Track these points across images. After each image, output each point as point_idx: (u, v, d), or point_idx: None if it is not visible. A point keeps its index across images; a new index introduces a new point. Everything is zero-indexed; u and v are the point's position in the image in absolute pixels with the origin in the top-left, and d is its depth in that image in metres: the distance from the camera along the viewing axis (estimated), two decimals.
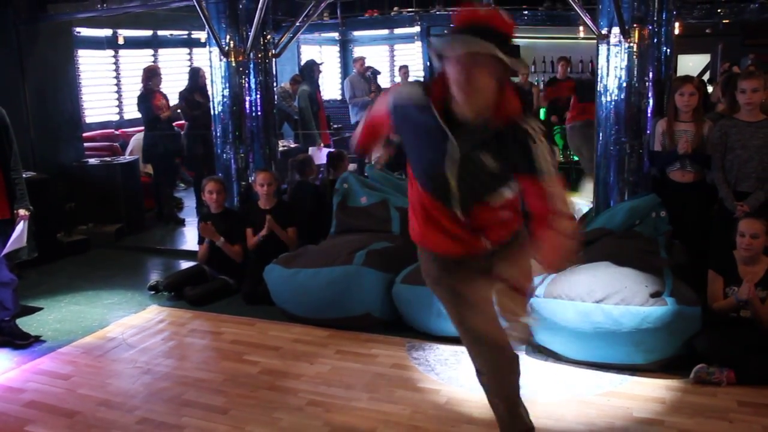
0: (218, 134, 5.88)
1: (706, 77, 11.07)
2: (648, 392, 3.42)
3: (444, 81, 2.13)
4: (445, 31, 2.21)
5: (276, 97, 6.54)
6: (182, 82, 7.97)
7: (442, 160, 2.20)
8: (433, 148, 2.21)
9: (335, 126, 9.91)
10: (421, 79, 2.79)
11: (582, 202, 6.90)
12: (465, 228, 2.34)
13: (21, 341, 4.23)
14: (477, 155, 2.17)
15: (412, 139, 2.32)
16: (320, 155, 7.56)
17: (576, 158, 8.65)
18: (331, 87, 12.44)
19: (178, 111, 7.48)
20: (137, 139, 8.26)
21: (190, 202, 7.78)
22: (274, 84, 6.22)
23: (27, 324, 4.50)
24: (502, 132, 2.13)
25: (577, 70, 10.39)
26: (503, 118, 2.12)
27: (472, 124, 2.14)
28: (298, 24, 6.27)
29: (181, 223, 7.31)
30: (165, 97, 7.40)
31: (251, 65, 5.70)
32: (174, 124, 7.58)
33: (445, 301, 2.57)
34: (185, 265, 5.71)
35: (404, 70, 10.09)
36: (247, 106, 5.76)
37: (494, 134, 2.14)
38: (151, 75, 7.29)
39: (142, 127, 7.69)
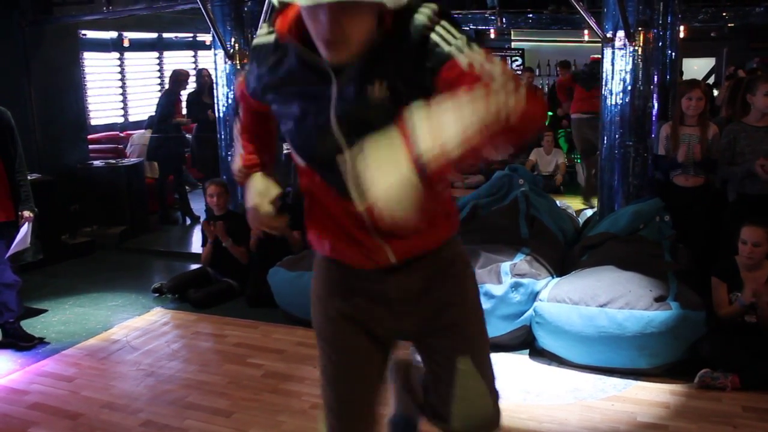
0: (223, 136, 5.89)
1: (711, 81, 11.06)
2: (652, 397, 3.41)
3: (295, 12, 1.54)
4: None
5: None
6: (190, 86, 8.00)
7: (325, 116, 1.55)
8: (309, 100, 1.58)
9: None
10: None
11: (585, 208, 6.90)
12: (364, 226, 1.64)
13: (25, 343, 4.24)
14: (360, 89, 1.51)
15: (280, 100, 1.65)
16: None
17: (579, 160, 8.64)
18: None
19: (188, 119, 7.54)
20: (138, 138, 8.25)
21: (194, 205, 7.78)
22: None
23: (31, 326, 4.51)
24: (384, 49, 1.50)
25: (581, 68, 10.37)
26: (386, 28, 1.49)
27: (345, 61, 1.50)
28: None
29: (197, 219, 7.33)
30: (180, 102, 7.48)
31: None
32: (182, 127, 7.62)
33: (319, 343, 1.94)
34: (189, 267, 5.72)
35: None
36: None
37: (375, 56, 1.50)
38: (182, 79, 7.37)
39: (141, 129, 7.73)
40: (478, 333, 1.86)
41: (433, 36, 1.48)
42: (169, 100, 7.39)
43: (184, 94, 7.65)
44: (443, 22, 1.50)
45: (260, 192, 1.82)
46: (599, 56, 6.95)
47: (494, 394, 1.86)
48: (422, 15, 1.49)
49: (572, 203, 7.00)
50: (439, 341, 1.82)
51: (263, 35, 1.68)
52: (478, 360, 1.82)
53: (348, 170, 1.57)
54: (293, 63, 1.59)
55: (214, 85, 6.01)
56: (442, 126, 1.28)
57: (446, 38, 1.48)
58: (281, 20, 1.59)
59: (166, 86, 7.62)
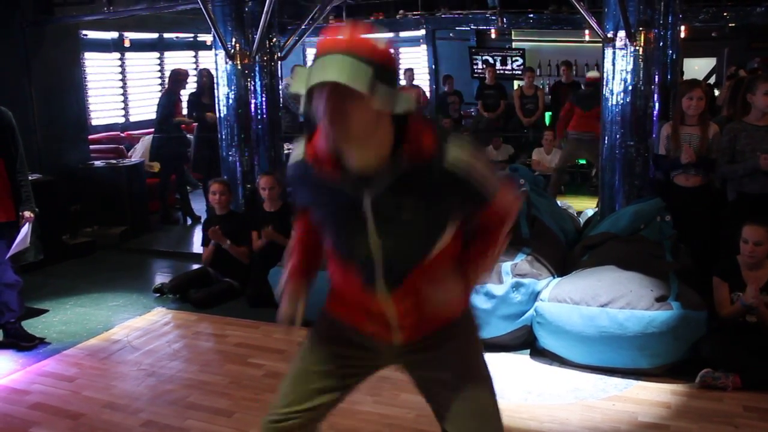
0: (224, 137, 5.89)
1: (711, 81, 11.05)
2: (653, 397, 3.41)
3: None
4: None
5: (282, 95, 6.55)
6: (190, 86, 8.01)
7: (361, 226, 1.71)
8: (344, 213, 1.73)
9: None
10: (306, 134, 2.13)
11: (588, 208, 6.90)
12: (376, 315, 1.84)
13: (26, 343, 4.24)
14: (391, 208, 1.67)
15: (320, 211, 1.84)
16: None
17: (583, 161, 8.64)
18: None
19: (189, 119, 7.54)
20: (145, 141, 8.27)
21: (195, 205, 7.78)
22: (280, 85, 6.23)
23: (32, 326, 4.51)
24: (419, 174, 1.64)
25: (582, 73, 10.37)
26: (413, 158, 1.62)
27: (371, 172, 1.65)
28: (303, 27, 6.28)
29: (198, 220, 7.34)
30: (181, 102, 7.48)
31: (257, 68, 5.72)
32: (183, 127, 7.62)
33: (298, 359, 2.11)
34: (190, 267, 5.72)
35: (409, 73, 10.10)
36: (253, 108, 5.78)
37: (407, 178, 1.64)
38: (181, 78, 7.37)
39: (150, 129, 7.73)
40: (477, 390, 1.89)
41: (473, 180, 1.67)
42: (169, 100, 7.40)
43: (184, 94, 7.67)
44: (479, 163, 1.68)
45: (292, 301, 2.11)
46: (596, 75, 7.00)
47: None
48: (457, 151, 1.65)
49: (573, 203, 6.99)
50: (434, 391, 1.94)
51: (297, 156, 1.80)
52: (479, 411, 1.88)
53: (378, 269, 1.76)
54: (319, 177, 1.73)
55: (215, 86, 6.01)
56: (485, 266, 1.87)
57: (486, 184, 1.71)
58: (310, 147, 1.74)
59: (166, 86, 7.61)
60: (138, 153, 8.31)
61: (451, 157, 1.63)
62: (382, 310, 1.82)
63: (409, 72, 10.16)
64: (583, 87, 8.48)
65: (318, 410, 2.00)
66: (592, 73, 8.01)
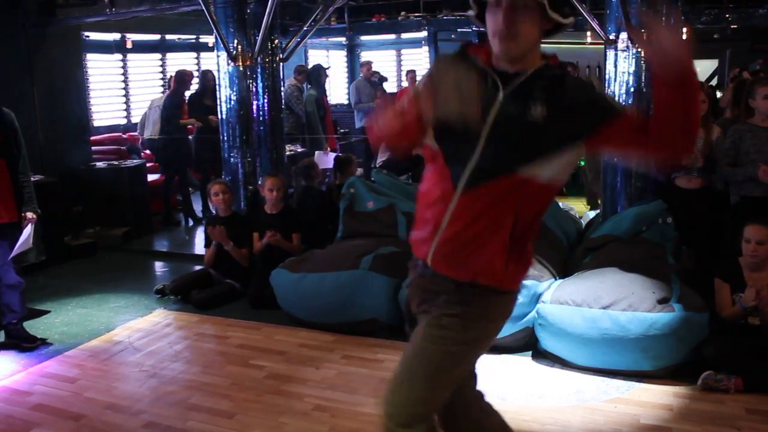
0: (225, 138, 5.90)
1: (714, 82, 11.05)
2: (655, 399, 3.40)
3: (486, 47, 1.85)
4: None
5: (285, 95, 6.55)
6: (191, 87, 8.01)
7: (486, 110, 1.78)
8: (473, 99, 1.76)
9: (342, 130, 9.93)
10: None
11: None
12: (442, 217, 1.88)
13: (28, 344, 4.24)
14: (520, 105, 1.78)
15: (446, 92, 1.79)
16: (326, 159, 7.57)
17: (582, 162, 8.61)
18: (338, 91, 12.47)
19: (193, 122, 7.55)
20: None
21: (195, 206, 7.79)
22: (282, 87, 6.23)
23: (34, 327, 4.52)
24: (554, 81, 1.80)
25: (585, 75, 10.37)
26: (555, 66, 1.84)
27: (513, 73, 1.81)
28: (305, 28, 6.28)
29: (200, 221, 7.35)
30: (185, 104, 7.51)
31: (259, 69, 5.72)
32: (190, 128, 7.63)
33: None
34: (192, 269, 5.72)
35: (411, 74, 10.11)
36: (255, 110, 5.78)
37: (542, 82, 1.79)
38: (187, 79, 7.39)
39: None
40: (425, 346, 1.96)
41: (603, 94, 1.87)
42: (173, 101, 7.39)
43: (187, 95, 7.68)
44: (603, 89, 1.88)
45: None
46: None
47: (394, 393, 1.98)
48: (590, 79, 1.88)
49: (575, 205, 6.99)
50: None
51: (449, 54, 1.89)
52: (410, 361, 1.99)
53: (472, 162, 1.80)
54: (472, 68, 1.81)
55: (217, 87, 6.02)
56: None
57: (613, 101, 1.91)
58: (477, 50, 1.87)
59: (171, 87, 7.61)
60: (149, 124, 8.13)
61: (583, 77, 1.80)
62: (441, 217, 1.87)
63: (411, 74, 10.16)
64: None
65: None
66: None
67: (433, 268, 1.94)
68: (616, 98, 4.87)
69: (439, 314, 1.93)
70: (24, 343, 4.24)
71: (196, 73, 8.38)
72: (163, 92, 8.01)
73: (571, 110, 1.77)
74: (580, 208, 6.98)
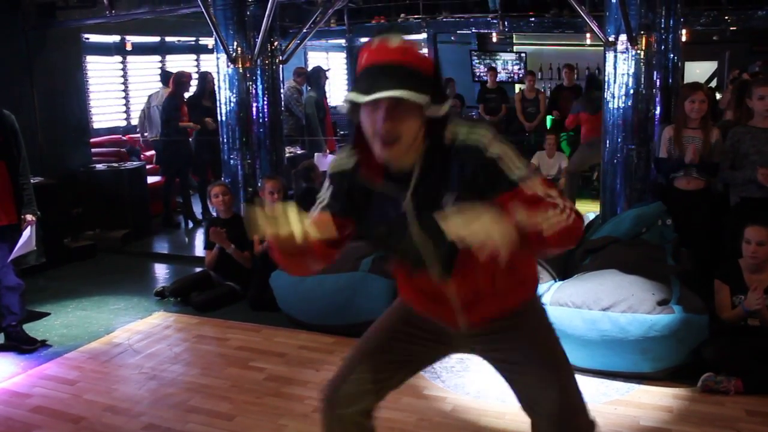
0: (225, 140, 5.90)
1: (713, 84, 11.06)
2: (655, 401, 3.40)
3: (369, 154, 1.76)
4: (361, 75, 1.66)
5: (285, 98, 6.54)
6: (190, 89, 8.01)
7: (402, 224, 1.78)
8: (385, 213, 1.80)
9: (342, 132, 9.93)
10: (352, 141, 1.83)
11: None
12: (440, 298, 1.89)
13: (27, 346, 4.24)
14: (429, 201, 1.73)
15: (359, 213, 1.86)
16: (326, 161, 7.57)
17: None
18: (337, 93, 12.47)
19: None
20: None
21: (195, 208, 7.79)
22: (281, 89, 6.24)
23: (33, 329, 4.51)
24: (445, 161, 1.72)
25: (584, 77, 10.38)
26: (440, 145, 1.71)
27: (408, 170, 1.74)
28: (305, 30, 6.29)
29: (199, 223, 7.35)
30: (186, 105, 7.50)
31: (258, 71, 5.72)
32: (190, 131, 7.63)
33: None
34: (192, 271, 5.71)
35: None
36: (254, 112, 5.79)
37: (436, 169, 1.72)
38: (184, 81, 7.38)
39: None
40: (546, 353, 2.02)
41: (499, 162, 1.68)
42: (171, 103, 7.39)
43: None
44: (503, 147, 1.70)
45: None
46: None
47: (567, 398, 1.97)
48: (478, 136, 1.69)
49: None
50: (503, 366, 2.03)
51: (342, 160, 1.86)
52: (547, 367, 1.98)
53: (429, 260, 1.79)
54: (361, 192, 1.81)
55: (216, 89, 6.02)
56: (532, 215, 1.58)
57: (511, 166, 1.68)
58: (359, 154, 1.79)
59: (169, 89, 7.59)
60: (152, 124, 8.11)
61: (469, 137, 1.69)
62: (445, 294, 1.86)
63: None
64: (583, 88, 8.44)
65: (381, 383, 2.04)
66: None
67: (473, 326, 1.94)
68: (615, 100, 4.88)
69: (531, 335, 1.97)
70: (23, 345, 4.24)
71: (195, 75, 8.37)
72: (161, 89, 7.96)
73: (476, 182, 1.70)
74: (579, 210, 6.98)
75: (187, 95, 7.58)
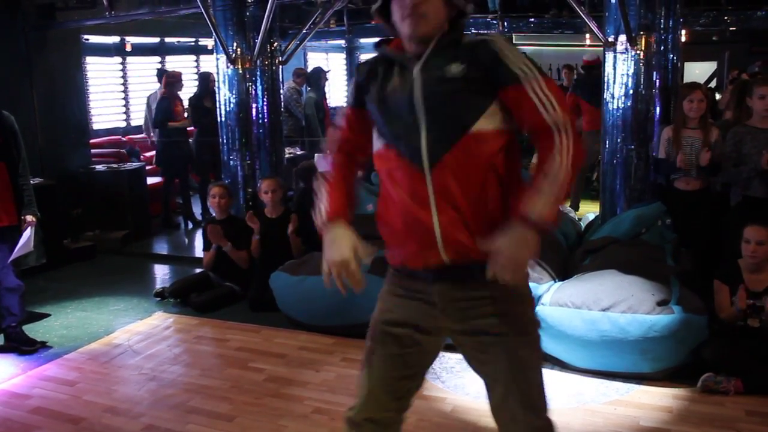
0: (225, 141, 5.90)
1: (712, 84, 11.06)
2: (655, 401, 3.40)
3: (396, 40, 1.91)
4: None
5: (284, 98, 6.52)
6: (189, 89, 8.01)
7: (409, 95, 1.82)
8: (399, 89, 1.85)
9: None
10: None
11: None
12: (428, 205, 1.82)
13: (27, 347, 4.24)
14: (438, 68, 1.81)
15: (377, 98, 1.91)
16: (326, 162, 7.55)
17: None
18: (337, 94, 12.47)
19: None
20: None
21: (195, 209, 7.79)
22: (281, 90, 6.24)
23: (33, 330, 4.51)
24: (456, 45, 1.82)
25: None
26: (456, 30, 1.85)
27: (422, 48, 1.84)
28: (305, 31, 6.29)
29: (199, 224, 7.36)
30: (182, 103, 7.48)
31: (258, 72, 5.72)
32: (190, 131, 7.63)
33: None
34: (191, 272, 5.71)
35: None
36: (254, 112, 5.78)
37: (448, 46, 1.82)
38: (175, 81, 7.37)
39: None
40: (522, 353, 1.90)
41: (501, 53, 1.78)
42: (162, 105, 7.37)
43: (184, 97, 7.67)
44: (507, 45, 1.81)
45: (350, 246, 1.93)
46: (595, 57, 6.92)
47: (534, 412, 1.92)
48: (487, 35, 1.84)
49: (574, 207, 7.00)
50: (478, 354, 1.95)
51: (368, 58, 2.00)
52: (519, 377, 1.89)
53: (423, 136, 1.80)
54: (385, 67, 1.90)
55: (216, 90, 6.03)
56: (548, 201, 1.71)
57: (514, 60, 1.78)
58: (387, 43, 1.94)
59: (161, 90, 7.59)
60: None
61: (486, 35, 1.84)
62: (428, 213, 1.81)
63: None
64: (580, 72, 8.38)
65: (403, 400, 2.06)
66: (589, 56, 7.88)
67: (452, 261, 1.83)
68: (615, 100, 4.88)
69: (514, 323, 1.88)
70: (23, 346, 4.24)
71: (195, 75, 8.37)
72: (158, 89, 7.97)
73: (481, 66, 1.79)
74: (579, 210, 6.99)
75: (183, 94, 7.57)
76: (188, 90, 8.35)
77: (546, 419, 1.95)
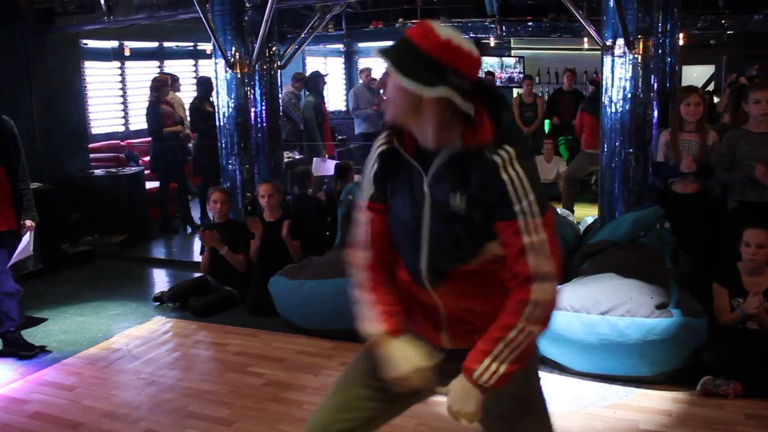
0: (224, 145, 5.90)
1: (710, 88, 11.08)
2: (654, 404, 3.40)
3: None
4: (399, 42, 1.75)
5: (282, 103, 6.51)
6: (188, 93, 8.01)
7: (418, 208, 1.78)
8: (409, 193, 1.80)
9: (339, 137, 9.94)
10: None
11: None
12: (430, 311, 1.85)
13: (26, 352, 4.24)
14: (444, 193, 1.73)
15: (391, 192, 1.86)
16: (324, 166, 7.57)
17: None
18: (336, 98, 12.49)
19: (187, 131, 7.51)
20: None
21: (193, 213, 7.79)
22: (279, 94, 6.24)
23: (32, 335, 4.51)
24: (467, 163, 1.71)
25: (582, 81, 10.39)
26: (468, 145, 1.70)
27: (434, 152, 1.75)
28: (303, 36, 6.30)
29: (198, 228, 7.35)
30: (171, 106, 7.47)
31: (257, 77, 5.73)
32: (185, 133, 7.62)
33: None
34: (190, 276, 5.71)
35: None
36: (253, 117, 5.79)
37: (458, 165, 1.72)
38: (160, 85, 7.36)
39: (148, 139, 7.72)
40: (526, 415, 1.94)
41: (508, 185, 1.66)
42: (149, 112, 7.35)
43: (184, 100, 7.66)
44: (520, 171, 1.67)
45: (411, 359, 1.82)
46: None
47: None
48: (501, 156, 1.67)
49: (573, 210, 7.00)
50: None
51: (382, 138, 1.88)
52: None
53: (423, 256, 1.79)
54: (400, 164, 1.82)
55: (215, 94, 6.03)
56: (497, 370, 1.69)
57: (518, 194, 1.66)
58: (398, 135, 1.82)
59: (150, 97, 7.56)
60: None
61: (501, 151, 1.67)
62: (433, 301, 1.82)
63: None
64: (588, 91, 8.41)
65: (361, 421, 1.97)
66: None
67: (454, 347, 1.85)
68: (613, 104, 4.88)
69: (517, 404, 1.89)
70: (22, 352, 4.24)
71: (193, 79, 8.37)
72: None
73: (483, 202, 1.70)
74: (578, 214, 6.99)
75: (170, 97, 7.57)
76: (188, 94, 8.35)
77: None
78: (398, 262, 1.90)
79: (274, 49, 5.86)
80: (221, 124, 5.88)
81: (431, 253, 1.78)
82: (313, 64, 12.12)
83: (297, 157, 8.12)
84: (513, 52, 12.21)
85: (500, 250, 1.73)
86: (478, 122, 1.68)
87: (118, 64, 9.47)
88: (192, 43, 10.27)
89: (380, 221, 1.89)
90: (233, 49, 5.67)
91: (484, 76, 10.45)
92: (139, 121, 9.70)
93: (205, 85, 7.52)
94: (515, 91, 10.89)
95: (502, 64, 11.76)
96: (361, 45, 12.56)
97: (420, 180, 1.77)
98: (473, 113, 1.69)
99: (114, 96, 9.57)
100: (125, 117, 9.74)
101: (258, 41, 5.49)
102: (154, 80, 7.46)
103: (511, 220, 1.67)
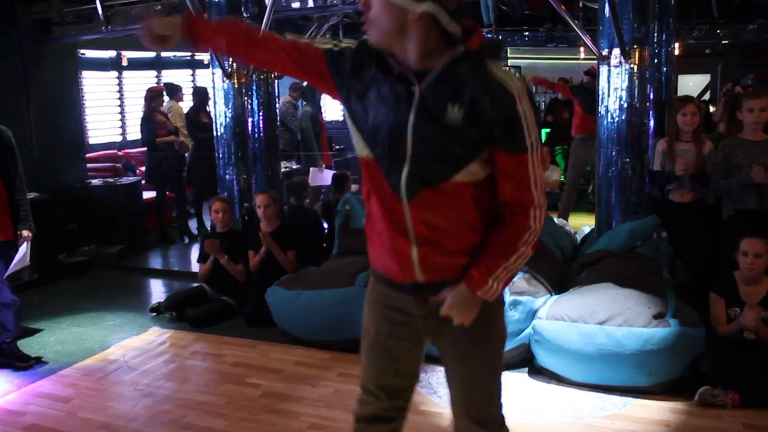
0: (221, 155, 5.90)
1: (706, 97, 11.13)
2: (652, 415, 3.39)
3: None
4: None
5: (280, 113, 6.51)
6: (186, 104, 8.02)
7: (402, 118, 1.76)
8: (392, 104, 1.77)
9: (337, 147, 9.95)
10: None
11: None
12: (406, 232, 1.84)
13: (21, 363, 4.22)
14: (438, 104, 1.72)
15: (363, 96, 1.83)
16: (321, 176, 7.58)
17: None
18: (333, 108, 12.50)
19: (182, 140, 7.51)
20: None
21: (191, 223, 7.78)
22: (276, 104, 6.25)
23: (28, 346, 4.49)
24: (467, 76, 1.71)
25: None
26: (470, 50, 1.71)
27: (423, 71, 1.74)
28: None
29: (195, 238, 7.35)
30: (166, 116, 7.48)
31: (254, 86, 5.74)
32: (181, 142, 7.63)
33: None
34: (187, 286, 5.69)
35: None
36: (250, 127, 5.79)
37: (455, 77, 1.72)
38: (155, 96, 7.38)
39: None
40: (475, 363, 1.98)
41: (522, 120, 1.71)
42: (144, 123, 7.37)
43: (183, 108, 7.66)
44: (528, 108, 1.71)
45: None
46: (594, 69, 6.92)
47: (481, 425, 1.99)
48: (515, 84, 1.71)
49: (570, 220, 7.01)
50: (449, 350, 2.00)
51: (347, 41, 1.90)
52: (467, 386, 1.99)
53: (405, 169, 1.78)
54: (376, 69, 1.80)
55: (212, 104, 6.03)
56: (498, 284, 1.84)
57: (529, 129, 1.72)
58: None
59: (144, 108, 7.58)
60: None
61: (506, 79, 1.71)
62: (404, 219, 1.83)
63: None
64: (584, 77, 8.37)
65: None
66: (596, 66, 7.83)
67: (426, 281, 1.88)
68: (609, 114, 4.90)
69: (474, 332, 1.92)
70: (17, 363, 4.21)
71: (189, 89, 8.38)
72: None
73: (484, 118, 1.71)
74: (575, 223, 7.00)
75: (165, 107, 7.58)
76: (186, 104, 8.36)
77: None
78: (373, 184, 1.88)
79: None
80: (218, 134, 5.89)
81: (413, 163, 1.77)
82: None
83: (294, 166, 8.12)
84: (510, 61, 12.24)
85: (479, 173, 1.77)
86: (474, 30, 1.73)
87: (115, 73, 9.49)
88: (189, 53, 10.30)
89: (314, 58, 1.89)
90: (230, 58, 5.68)
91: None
92: (136, 131, 9.70)
93: (200, 96, 7.54)
94: None
95: None
96: None
97: (406, 93, 1.75)
98: (460, 35, 1.71)
99: (111, 106, 9.59)
100: (122, 127, 9.75)
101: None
102: (149, 91, 7.49)
103: (522, 153, 1.73)
